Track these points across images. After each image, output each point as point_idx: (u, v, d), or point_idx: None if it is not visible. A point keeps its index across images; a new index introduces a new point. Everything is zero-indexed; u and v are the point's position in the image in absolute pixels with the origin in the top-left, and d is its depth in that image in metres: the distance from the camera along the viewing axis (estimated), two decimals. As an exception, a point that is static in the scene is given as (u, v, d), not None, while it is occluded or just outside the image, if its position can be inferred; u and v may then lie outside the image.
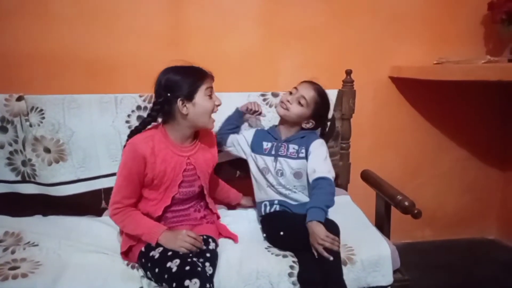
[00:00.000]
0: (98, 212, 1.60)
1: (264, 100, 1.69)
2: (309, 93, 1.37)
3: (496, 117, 2.09)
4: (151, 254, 1.15)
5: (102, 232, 1.41)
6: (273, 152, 1.42)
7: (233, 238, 1.33)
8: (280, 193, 1.39)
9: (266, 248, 1.28)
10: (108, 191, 1.53)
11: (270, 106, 1.68)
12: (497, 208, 2.20)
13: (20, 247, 1.26)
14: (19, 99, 1.51)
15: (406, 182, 2.01)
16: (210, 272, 1.12)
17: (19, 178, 1.56)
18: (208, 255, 1.18)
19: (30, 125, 1.52)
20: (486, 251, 2.12)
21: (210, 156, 1.35)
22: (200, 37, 1.79)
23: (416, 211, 1.27)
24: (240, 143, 1.49)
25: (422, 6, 1.91)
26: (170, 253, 1.12)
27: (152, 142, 1.20)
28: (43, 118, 1.53)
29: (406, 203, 1.29)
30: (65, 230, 1.42)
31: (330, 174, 1.29)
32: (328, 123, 1.55)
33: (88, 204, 1.59)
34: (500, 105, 2.07)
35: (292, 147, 1.41)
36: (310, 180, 1.30)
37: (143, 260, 1.18)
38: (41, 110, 1.53)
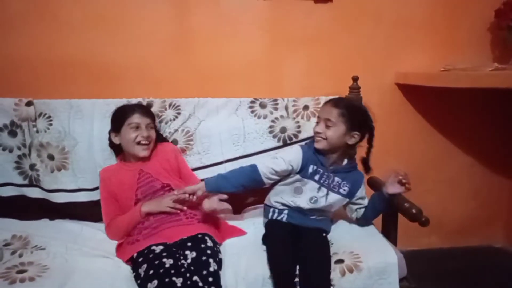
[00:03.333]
0: (100, 219, 1.60)
1: (251, 108, 1.70)
2: (331, 112, 1.33)
3: (502, 124, 2.07)
4: (138, 271, 1.16)
5: (107, 237, 1.42)
6: (318, 179, 1.36)
7: (241, 233, 1.41)
8: (299, 211, 1.38)
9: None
10: None
11: (258, 117, 1.70)
12: (504, 216, 2.18)
13: (27, 251, 1.27)
14: (29, 104, 1.53)
15: (413, 187, 1.99)
16: (215, 268, 1.16)
17: (26, 181, 1.58)
18: (208, 252, 1.21)
19: (37, 131, 1.55)
20: (493, 259, 2.10)
21: (165, 160, 1.52)
22: (205, 43, 1.80)
23: (423, 219, 1.26)
24: (281, 169, 1.36)
25: (427, 12, 1.91)
26: (151, 271, 1.11)
27: (112, 167, 1.52)
28: (51, 124, 1.55)
29: (414, 211, 1.28)
30: (71, 234, 1.43)
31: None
32: (373, 125, 1.40)
33: (89, 212, 1.60)
34: (506, 113, 2.06)
35: (337, 180, 1.38)
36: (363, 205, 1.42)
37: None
38: (49, 116, 1.55)
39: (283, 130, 1.71)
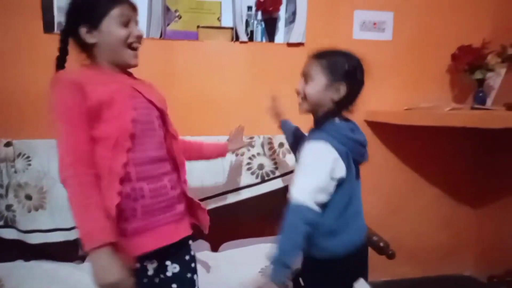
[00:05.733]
0: (76, 259, 1.61)
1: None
2: (311, 64, 1.06)
3: (465, 158, 2.21)
4: None
5: (82, 279, 1.41)
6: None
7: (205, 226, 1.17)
8: None
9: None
10: None
11: (236, 154, 1.77)
12: (473, 245, 2.28)
13: (2, 294, 1.25)
14: (8, 144, 1.55)
15: (385, 220, 2.09)
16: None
17: (1, 222, 1.57)
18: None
19: (15, 171, 1.55)
20: (463, 287, 2.18)
21: (158, 93, 1.14)
22: (187, 83, 1.88)
23: (390, 252, 1.33)
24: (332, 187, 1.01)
25: (392, 56, 2.06)
26: None
27: (80, 71, 1.01)
28: (29, 165, 1.57)
29: (381, 244, 1.35)
30: (47, 275, 1.43)
31: (302, 194, 0.95)
32: (363, 79, 1.08)
33: (65, 253, 1.59)
34: (468, 148, 2.20)
35: None
36: None
37: None
38: (28, 156, 1.57)
39: (261, 167, 1.78)
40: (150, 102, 1.04)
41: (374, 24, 2.01)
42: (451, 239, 2.28)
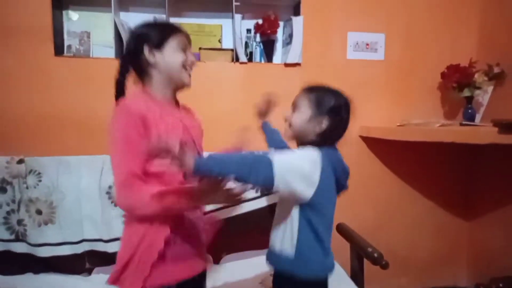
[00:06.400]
0: (83, 272, 1.69)
1: None
2: (300, 96, 1.11)
3: (456, 171, 2.30)
4: None
5: (90, 288, 1.49)
6: None
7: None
8: None
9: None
10: (91, 253, 1.67)
11: None
12: (465, 255, 2.35)
13: (14, 306, 1.32)
14: (20, 161, 1.63)
15: (379, 231, 2.16)
16: None
17: (13, 237, 1.64)
18: None
19: (27, 187, 1.63)
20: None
21: (197, 125, 1.23)
22: (188, 100, 1.96)
23: (384, 262, 1.40)
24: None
25: (384, 75, 2.17)
26: None
27: (142, 101, 1.05)
28: (40, 180, 1.65)
29: (375, 255, 1.42)
30: (56, 287, 1.49)
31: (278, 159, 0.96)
32: (347, 117, 1.10)
33: (73, 265, 1.67)
34: (458, 161, 2.29)
35: None
36: None
37: None
38: (39, 173, 1.65)
39: (259, 181, 1.86)
40: (192, 140, 1.13)
41: (367, 45, 2.12)
42: (444, 249, 2.34)
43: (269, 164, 0.93)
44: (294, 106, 1.11)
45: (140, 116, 0.98)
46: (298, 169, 0.97)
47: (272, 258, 1.10)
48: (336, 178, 1.06)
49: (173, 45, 1.09)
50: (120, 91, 1.13)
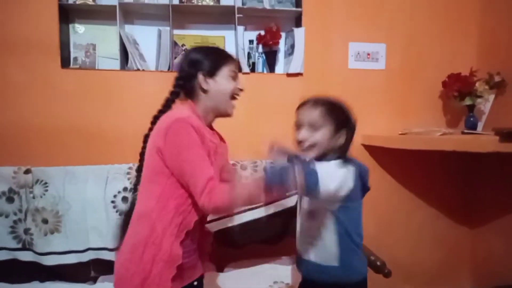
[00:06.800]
0: (88, 280, 1.71)
1: None
2: (312, 113, 1.12)
3: (458, 179, 2.30)
4: None
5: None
6: None
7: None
8: None
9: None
10: (96, 262, 1.69)
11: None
12: (468, 263, 2.34)
13: (20, 314, 1.34)
14: (27, 172, 1.66)
15: (382, 239, 2.16)
16: None
17: (19, 245, 1.66)
18: None
19: (33, 197, 1.66)
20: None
21: (226, 152, 1.30)
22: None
23: (386, 271, 1.41)
24: None
25: (386, 83, 2.19)
26: None
27: (195, 118, 1.08)
28: (46, 190, 1.67)
29: (378, 263, 1.43)
30: (62, 296, 1.51)
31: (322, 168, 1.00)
32: (355, 122, 1.16)
33: (78, 273, 1.69)
34: (460, 169, 2.29)
35: None
36: None
37: None
38: (46, 183, 1.67)
39: (263, 190, 1.88)
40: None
41: (368, 54, 2.15)
42: (446, 257, 2.34)
43: (315, 173, 0.97)
44: (310, 127, 1.11)
45: (199, 131, 1.04)
46: (336, 176, 1.03)
47: (308, 267, 1.15)
48: (362, 182, 1.14)
49: (225, 73, 1.15)
50: (166, 108, 1.18)
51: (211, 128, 1.23)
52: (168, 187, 1.05)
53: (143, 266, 1.01)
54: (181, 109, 1.14)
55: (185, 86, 1.16)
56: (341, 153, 1.11)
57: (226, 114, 1.19)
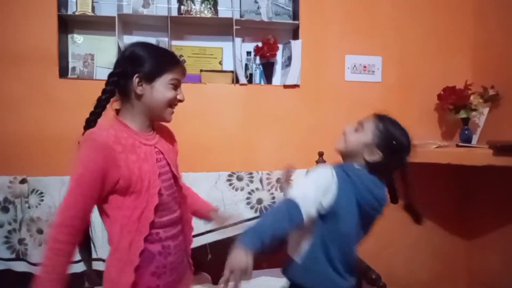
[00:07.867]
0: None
1: (229, 181, 1.90)
2: (369, 119, 1.12)
3: (453, 192, 2.31)
4: None
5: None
6: None
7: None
8: None
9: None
10: (89, 273, 1.64)
11: (236, 189, 1.89)
12: (463, 274, 2.34)
13: (13, 327, 1.32)
14: (23, 181, 1.66)
15: (377, 253, 2.15)
16: None
17: (13, 256, 1.65)
18: None
19: (29, 207, 1.66)
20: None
21: (172, 147, 1.18)
22: (190, 121, 2.00)
23: (381, 284, 1.41)
24: None
25: (380, 95, 2.21)
26: None
27: (113, 130, 1.01)
28: (42, 200, 1.67)
29: (373, 276, 1.43)
30: (55, 307, 1.49)
31: (298, 196, 0.98)
32: (406, 159, 1.15)
33: (72, 284, 1.66)
34: (456, 182, 2.31)
35: None
36: None
37: None
38: (41, 193, 1.67)
39: (259, 201, 1.88)
40: (168, 164, 1.10)
41: (364, 67, 2.18)
42: (442, 270, 2.34)
43: (296, 207, 0.94)
44: (359, 125, 1.12)
45: (107, 148, 0.96)
46: (317, 190, 1.00)
47: (285, 267, 1.12)
48: (359, 203, 1.06)
49: (166, 81, 1.03)
50: (99, 109, 1.07)
51: (153, 128, 1.13)
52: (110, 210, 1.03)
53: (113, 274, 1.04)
54: (103, 121, 1.06)
55: (119, 84, 1.03)
56: (365, 166, 1.09)
57: (164, 120, 1.11)
